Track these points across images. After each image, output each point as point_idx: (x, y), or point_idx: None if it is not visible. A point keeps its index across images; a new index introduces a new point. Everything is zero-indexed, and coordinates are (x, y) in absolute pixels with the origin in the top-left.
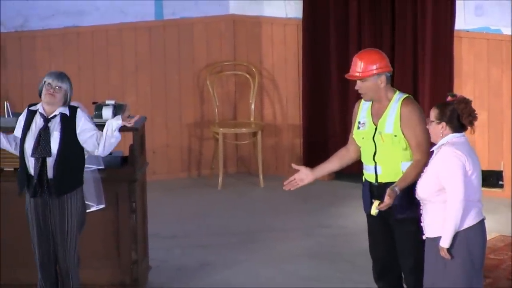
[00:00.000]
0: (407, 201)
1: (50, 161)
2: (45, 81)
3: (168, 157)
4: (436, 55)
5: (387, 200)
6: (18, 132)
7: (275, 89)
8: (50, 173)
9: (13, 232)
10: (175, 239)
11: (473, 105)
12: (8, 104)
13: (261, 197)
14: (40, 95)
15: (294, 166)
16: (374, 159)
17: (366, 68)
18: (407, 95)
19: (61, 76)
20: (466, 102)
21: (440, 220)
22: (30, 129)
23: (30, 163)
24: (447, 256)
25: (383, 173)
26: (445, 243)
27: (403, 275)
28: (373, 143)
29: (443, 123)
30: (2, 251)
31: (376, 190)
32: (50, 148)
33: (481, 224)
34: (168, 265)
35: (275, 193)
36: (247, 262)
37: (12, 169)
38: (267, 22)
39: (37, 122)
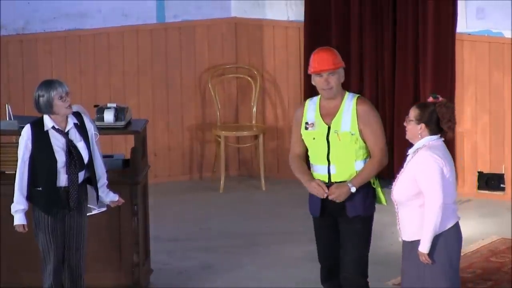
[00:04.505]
0: (359, 200)
1: (82, 171)
2: (53, 97)
3: (169, 160)
4: (438, 58)
5: (337, 194)
6: (27, 155)
7: (277, 92)
8: (79, 182)
9: (14, 234)
10: (176, 242)
11: (475, 108)
12: (9, 107)
13: (263, 200)
14: (45, 111)
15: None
16: (328, 159)
17: (337, 60)
18: (358, 94)
19: (58, 82)
20: (447, 106)
21: (418, 224)
22: (54, 147)
23: (62, 179)
24: (428, 261)
25: (337, 172)
26: (424, 248)
27: (341, 265)
28: (326, 143)
29: (422, 124)
30: (3, 254)
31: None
32: (83, 160)
33: (457, 225)
34: (170, 268)
35: (277, 196)
36: (249, 265)
37: (14, 172)
38: (269, 25)
39: (57, 138)
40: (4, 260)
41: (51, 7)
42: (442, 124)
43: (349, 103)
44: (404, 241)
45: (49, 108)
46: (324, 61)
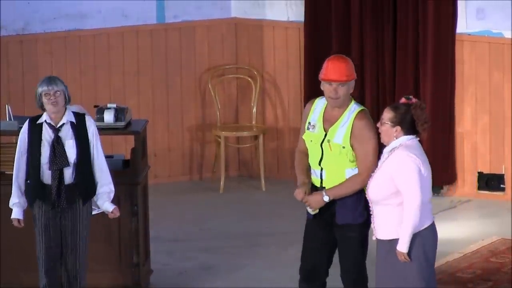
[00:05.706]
0: (348, 208)
1: (68, 170)
2: (40, 93)
3: (169, 161)
4: (438, 58)
5: (310, 202)
6: (23, 147)
7: (277, 93)
8: (67, 181)
9: (13, 234)
10: (176, 242)
11: (475, 109)
12: (9, 108)
13: (263, 200)
14: (41, 108)
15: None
16: (320, 164)
17: (350, 71)
18: (362, 107)
19: (53, 80)
20: (422, 108)
21: (395, 223)
22: (43, 142)
23: (46, 175)
24: (407, 259)
25: (328, 179)
26: (403, 247)
27: (340, 272)
28: (320, 149)
29: (398, 127)
30: (3, 254)
31: None
32: (67, 158)
33: (433, 224)
34: (170, 268)
35: (277, 196)
36: (249, 266)
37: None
38: (269, 25)
39: (48, 133)
40: (4, 260)
41: (51, 8)
42: (417, 127)
43: (349, 115)
44: (379, 240)
45: (40, 104)
46: (337, 71)
